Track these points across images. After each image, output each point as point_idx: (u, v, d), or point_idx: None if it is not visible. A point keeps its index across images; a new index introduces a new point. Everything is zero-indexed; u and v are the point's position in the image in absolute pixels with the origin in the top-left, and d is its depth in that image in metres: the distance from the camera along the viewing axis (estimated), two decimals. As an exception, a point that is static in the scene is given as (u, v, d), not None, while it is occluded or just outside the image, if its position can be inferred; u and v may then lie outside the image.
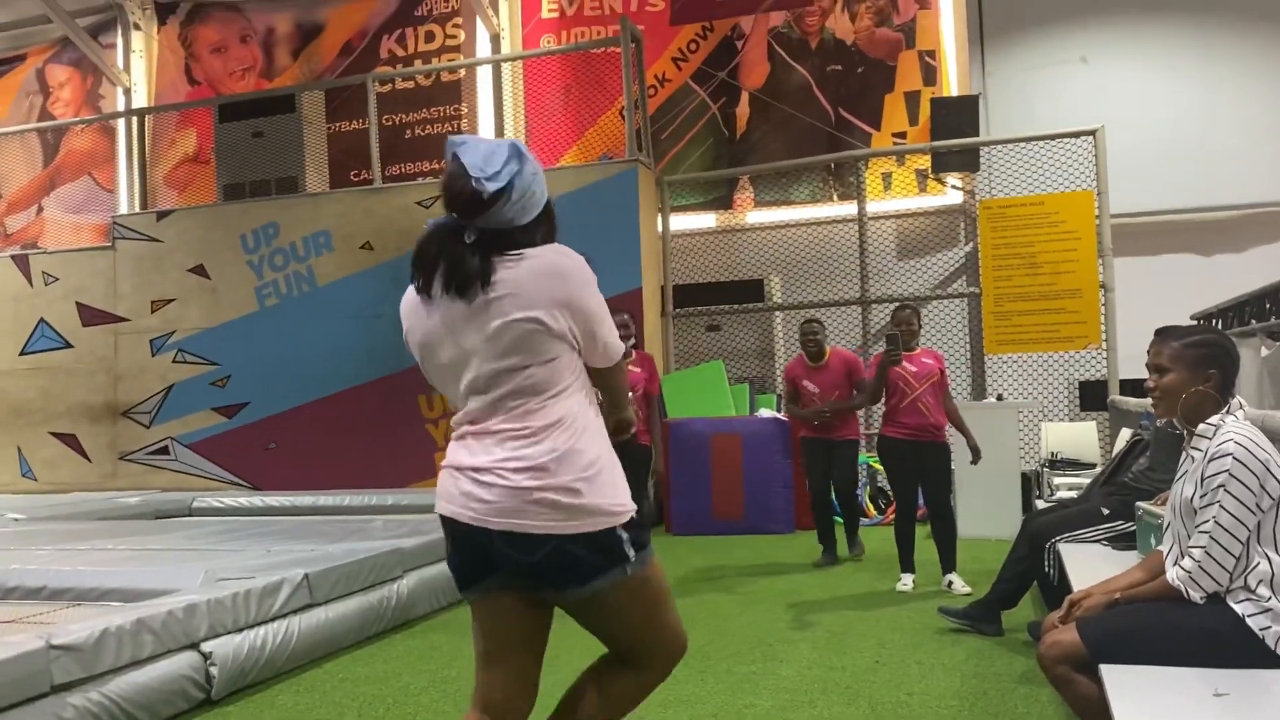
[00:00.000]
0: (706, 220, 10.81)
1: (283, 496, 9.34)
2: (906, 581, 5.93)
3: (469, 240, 2.07)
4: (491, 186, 2.02)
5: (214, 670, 4.02)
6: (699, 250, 10.64)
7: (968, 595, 5.47)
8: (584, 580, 2.07)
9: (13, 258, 11.18)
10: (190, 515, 9.14)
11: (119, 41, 12.59)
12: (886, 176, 10.38)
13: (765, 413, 8.93)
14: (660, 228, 10.21)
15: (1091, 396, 9.17)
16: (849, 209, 10.21)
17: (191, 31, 12.61)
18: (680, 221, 10.65)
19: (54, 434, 10.87)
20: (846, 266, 10.13)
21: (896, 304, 6.61)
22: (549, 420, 2.07)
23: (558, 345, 2.09)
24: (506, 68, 11.16)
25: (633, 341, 5.61)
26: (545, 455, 2.05)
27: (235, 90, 12.13)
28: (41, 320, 10.91)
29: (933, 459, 5.84)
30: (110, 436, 10.71)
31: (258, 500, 9.39)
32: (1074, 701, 2.55)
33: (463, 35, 11.55)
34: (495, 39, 11.29)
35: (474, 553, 2.13)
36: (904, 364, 5.82)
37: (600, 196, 9.28)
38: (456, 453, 2.15)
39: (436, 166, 11.25)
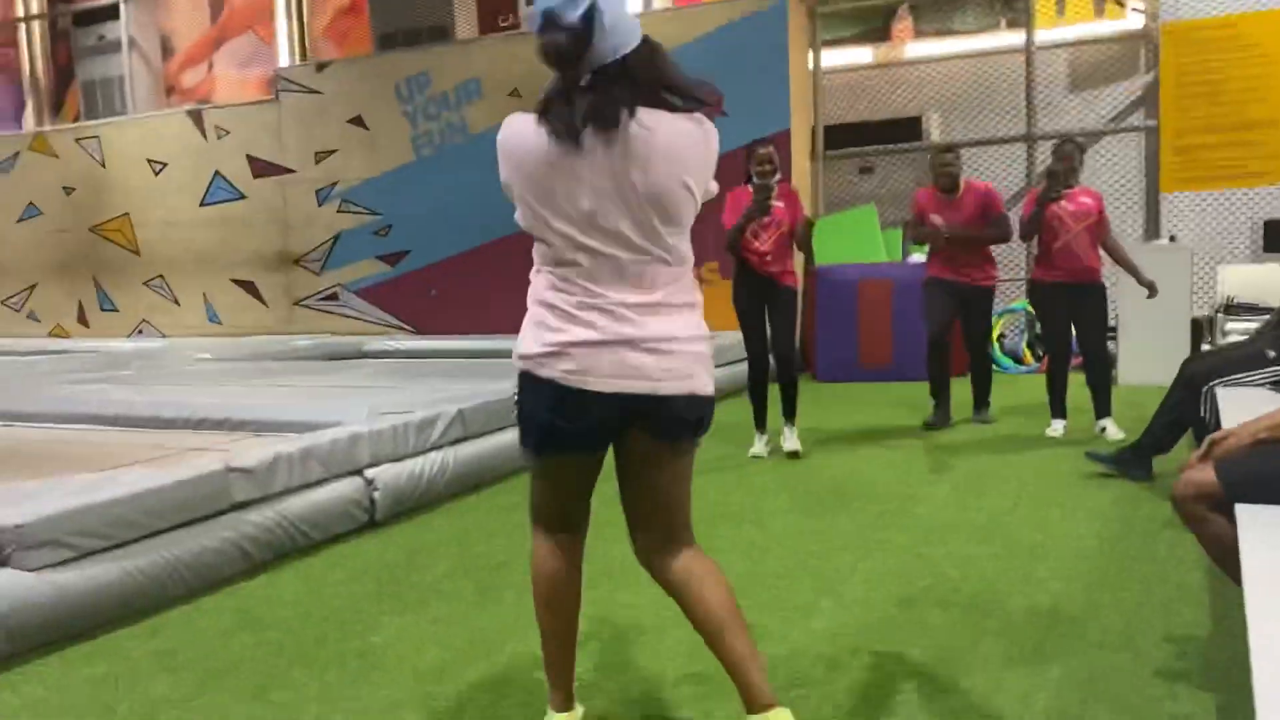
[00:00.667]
0: (862, 55, 10.32)
1: (443, 340, 9.78)
2: (1057, 427, 5.80)
3: (584, 84, 2.02)
4: (577, 13, 1.96)
5: (376, 495, 4.34)
6: (852, 87, 10.21)
7: (1121, 441, 5.31)
8: (695, 434, 2.21)
9: (188, 113, 11.76)
10: (360, 358, 9.70)
11: (273, -108, 12.71)
12: (1060, 1, 9.64)
13: (918, 257, 8.69)
14: (811, 64, 9.83)
15: (1277, 237, 8.52)
16: (1016, 38, 9.56)
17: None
18: (833, 57, 10.20)
19: (234, 281, 11.60)
20: (1012, 101, 9.56)
21: (1059, 140, 6.20)
22: (697, 294, 2.20)
23: (693, 213, 2.15)
24: (652, -100, 10.75)
25: (778, 176, 5.38)
26: (701, 327, 2.19)
27: (386, -63, 12.12)
28: (217, 173, 11.51)
29: (1088, 302, 5.62)
30: (285, 283, 11.36)
31: (420, 344, 9.87)
32: (1206, 541, 2.49)
33: None
34: None
35: (609, 420, 2.15)
36: (1062, 203, 5.54)
37: (747, 32, 8.99)
38: (604, 322, 2.08)
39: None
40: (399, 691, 2.70)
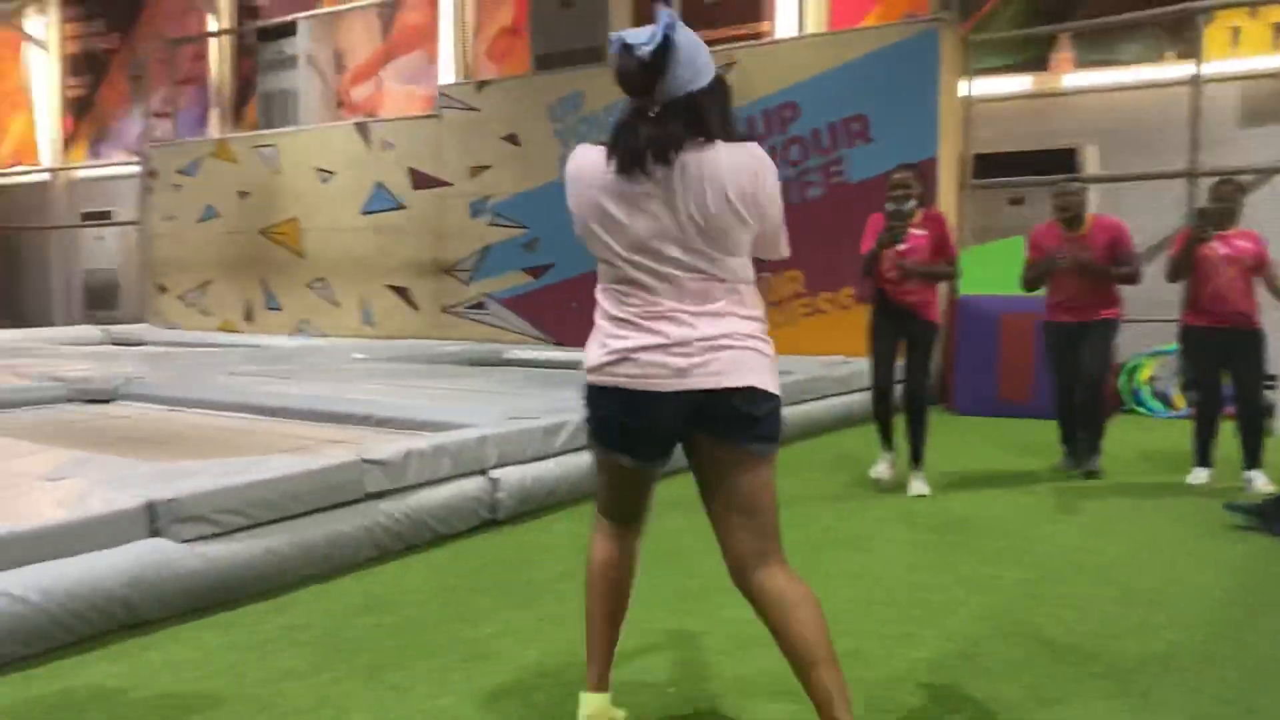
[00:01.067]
0: (1018, 84, 10.07)
1: (580, 352, 9.98)
2: (1199, 475, 5.54)
3: (653, 114, 2.18)
4: (649, 46, 2.12)
5: (500, 495, 4.52)
6: (1007, 116, 9.97)
7: (1269, 496, 5.05)
8: (763, 437, 2.25)
9: (355, 125, 12.40)
10: (502, 364, 10.02)
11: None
12: (1234, 31, 9.21)
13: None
14: (964, 92, 9.67)
15: None
16: (1184, 70, 9.18)
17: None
18: (988, 85, 9.99)
19: (389, 286, 12.15)
20: (1176, 135, 9.17)
21: (1219, 178, 5.91)
22: (753, 302, 2.29)
23: (748, 238, 2.25)
24: (810, -74, 10.78)
25: (913, 203, 5.28)
26: (763, 333, 2.27)
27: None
28: (378, 183, 12.10)
29: (1242, 348, 5.36)
30: (435, 290, 11.82)
31: (559, 354, 10.12)
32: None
33: (767, -107, 11.24)
34: (800, -105, 10.91)
35: (674, 422, 2.24)
36: (1214, 244, 5.31)
37: (898, 59, 8.94)
38: (664, 328, 2.19)
39: (733, 33, 11.16)
40: (502, 682, 2.84)
